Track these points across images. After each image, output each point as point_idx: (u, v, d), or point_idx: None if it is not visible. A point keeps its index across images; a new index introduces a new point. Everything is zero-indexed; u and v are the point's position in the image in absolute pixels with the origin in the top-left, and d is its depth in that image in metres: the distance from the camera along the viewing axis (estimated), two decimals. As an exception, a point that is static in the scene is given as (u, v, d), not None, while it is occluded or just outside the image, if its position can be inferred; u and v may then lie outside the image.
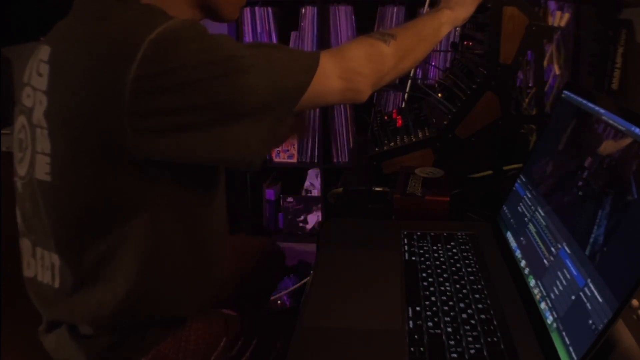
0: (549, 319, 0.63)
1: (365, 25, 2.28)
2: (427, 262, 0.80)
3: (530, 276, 0.73)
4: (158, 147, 0.66)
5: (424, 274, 0.77)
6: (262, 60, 0.70)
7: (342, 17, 2.44)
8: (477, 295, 0.71)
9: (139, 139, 0.65)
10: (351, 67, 0.79)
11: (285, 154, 2.66)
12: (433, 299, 0.71)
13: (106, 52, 0.65)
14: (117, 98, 0.63)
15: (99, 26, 0.67)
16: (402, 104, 2.47)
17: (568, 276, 0.63)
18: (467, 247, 0.85)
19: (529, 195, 0.84)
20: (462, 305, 0.69)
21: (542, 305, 0.66)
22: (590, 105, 0.74)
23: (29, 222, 0.78)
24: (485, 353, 0.60)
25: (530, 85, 1.23)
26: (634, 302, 0.63)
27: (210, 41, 0.67)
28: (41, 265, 0.78)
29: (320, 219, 2.69)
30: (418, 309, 0.68)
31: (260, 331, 0.91)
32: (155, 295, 0.77)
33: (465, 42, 1.32)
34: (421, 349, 0.61)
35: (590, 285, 0.58)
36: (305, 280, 2.16)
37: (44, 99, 0.70)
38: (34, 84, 0.72)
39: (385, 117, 1.36)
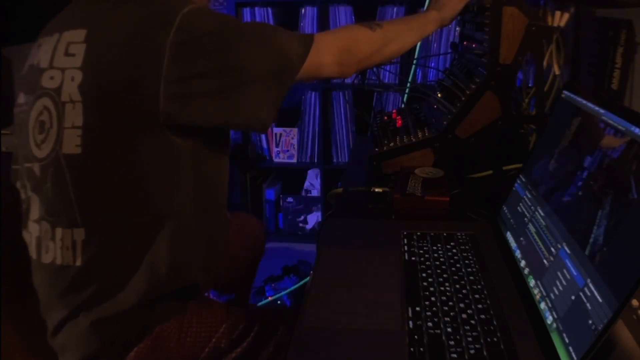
0: (549, 319, 0.63)
1: (365, 26, 2.28)
2: (427, 262, 0.80)
3: (530, 276, 0.73)
4: (187, 112, 0.75)
5: (424, 274, 0.77)
6: (268, 33, 0.83)
7: (342, 18, 2.44)
8: (477, 295, 0.71)
9: (171, 106, 0.74)
10: (340, 45, 0.91)
11: (285, 154, 2.66)
12: (433, 299, 0.71)
13: (145, 26, 0.75)
14: (156, 66, 0.73)
15: (136, 5, 0.77)
16: (402, 104, 2.47)
17: (568, 276, 0.63)
18: (467, 247, 0.85)
19: (529, 196, 0.84)
20: (462, 305, 0.69)
21: (542, 306, 0.66)
22: (590, 105, 0.74)
23: (49, 203, 0.81)
24: (485, 353, 0.60)
25: (530, 85, 1.23)
26: (634, 302, 0.64)
27: (228, 16, 0.83)
28: (60, 247, 0.80)
29: (320, 219, 2.69)
30: (418, 309, 0.68)
31: (262, 320, 0.93)
32: (174, 260, 0.82)
33: (465, 42, 1.33)
34: (421, 349, 0.61)
35: (590, 285, 0.58)
36: (305, 280, 2.16)
37: (77, 74, 0.76)
38: (61, 65, 0.78)
39: (385, 117, 1.36)
